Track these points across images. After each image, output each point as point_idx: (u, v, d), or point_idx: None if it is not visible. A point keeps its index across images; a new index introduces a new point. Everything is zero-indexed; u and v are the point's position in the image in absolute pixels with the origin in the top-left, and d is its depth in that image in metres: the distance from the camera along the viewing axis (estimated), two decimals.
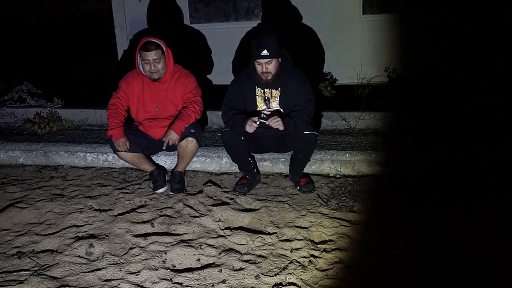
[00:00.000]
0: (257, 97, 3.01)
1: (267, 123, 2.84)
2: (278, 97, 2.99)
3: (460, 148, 3.18)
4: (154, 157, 3.39)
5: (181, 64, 3.22)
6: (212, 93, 3.69)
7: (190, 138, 3.03)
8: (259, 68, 2.87)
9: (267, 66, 2.84)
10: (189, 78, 3.15)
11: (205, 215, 2.74)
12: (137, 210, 2.84)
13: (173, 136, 2.99)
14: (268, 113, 3.00)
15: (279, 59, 2.88)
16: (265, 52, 2.78)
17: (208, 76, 5.07)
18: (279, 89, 2.97)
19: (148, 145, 3.19)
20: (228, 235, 2.51)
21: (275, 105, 3.01)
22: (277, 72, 2.90)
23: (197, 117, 3.11)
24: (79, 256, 2.35)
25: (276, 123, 2.82)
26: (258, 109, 3.03)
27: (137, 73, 3.12)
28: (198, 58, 5.02)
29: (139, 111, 3.18)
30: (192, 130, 3.04)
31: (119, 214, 2.79)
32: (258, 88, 3.00)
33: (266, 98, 3.01)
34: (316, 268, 2.17)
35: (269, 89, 2.98)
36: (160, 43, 3.00)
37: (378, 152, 3.23)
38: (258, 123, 2.84)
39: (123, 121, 3.09)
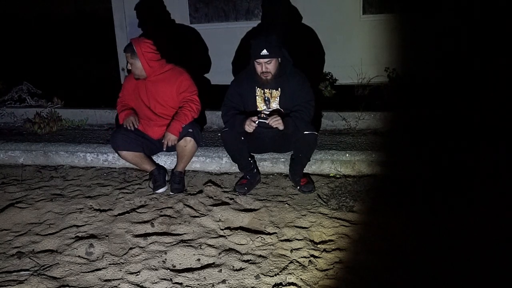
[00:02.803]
0: (257, 97, 3.01)
1: (267, 122, 2.84)
2: (278, 97, 2.98)
3: (460, 148, 3.18)
4: (154, 157, 3.39)
5: (181, 64, 3.22)
6: (211, 93, 3.69)
7: (188, 138, 3.03)
8: (258, 68, 2.87)
9: (266, 66, 2.84)
10: (182, 76, 3.13)
11: (205, 215, 2.74)
12: (137, 210, 2.84)
13: (171, 137, 3.00)
14: (268, 113, 3.00)
15: (279, 59, 2.88)
16: (264, 52, 2.77)
17: (208, 76, 5.07)
18: (279, 89, 2.97)
19: (148, 145, 3.20)
20: (228, 235, 2.51)
21: (275, 105, 3.01)
22: (276, 72, 2.89)
23: (194, 116, 3.11)
24: (79, 256, 2.34)
25: (276, 122, 2.82)
26: (258, 109, 3.03)
27: None
28: (198, 58, 5.02)
29: (137, 109, 3.22)
30: (190, 130, 3.04)
31: (119, 214, 2.79)
32: (258, 88, 3.00)
33: (266, 98, 3.00)
34: (316, 268, 2.16)
35: (269, 89, 2.98)
36: (133, 45, 2.98)
37: (378, 152, 3.23)
38: (257, 122, 2.84)
39: (132, 109, 3.19)
